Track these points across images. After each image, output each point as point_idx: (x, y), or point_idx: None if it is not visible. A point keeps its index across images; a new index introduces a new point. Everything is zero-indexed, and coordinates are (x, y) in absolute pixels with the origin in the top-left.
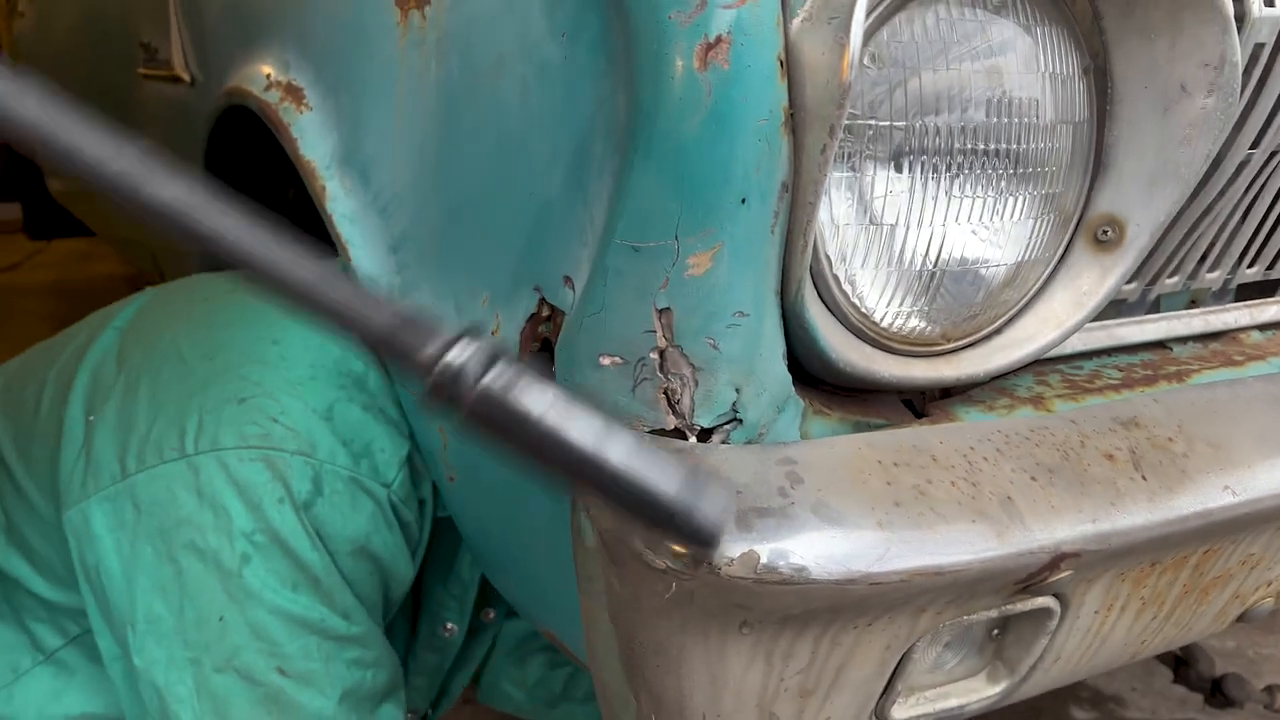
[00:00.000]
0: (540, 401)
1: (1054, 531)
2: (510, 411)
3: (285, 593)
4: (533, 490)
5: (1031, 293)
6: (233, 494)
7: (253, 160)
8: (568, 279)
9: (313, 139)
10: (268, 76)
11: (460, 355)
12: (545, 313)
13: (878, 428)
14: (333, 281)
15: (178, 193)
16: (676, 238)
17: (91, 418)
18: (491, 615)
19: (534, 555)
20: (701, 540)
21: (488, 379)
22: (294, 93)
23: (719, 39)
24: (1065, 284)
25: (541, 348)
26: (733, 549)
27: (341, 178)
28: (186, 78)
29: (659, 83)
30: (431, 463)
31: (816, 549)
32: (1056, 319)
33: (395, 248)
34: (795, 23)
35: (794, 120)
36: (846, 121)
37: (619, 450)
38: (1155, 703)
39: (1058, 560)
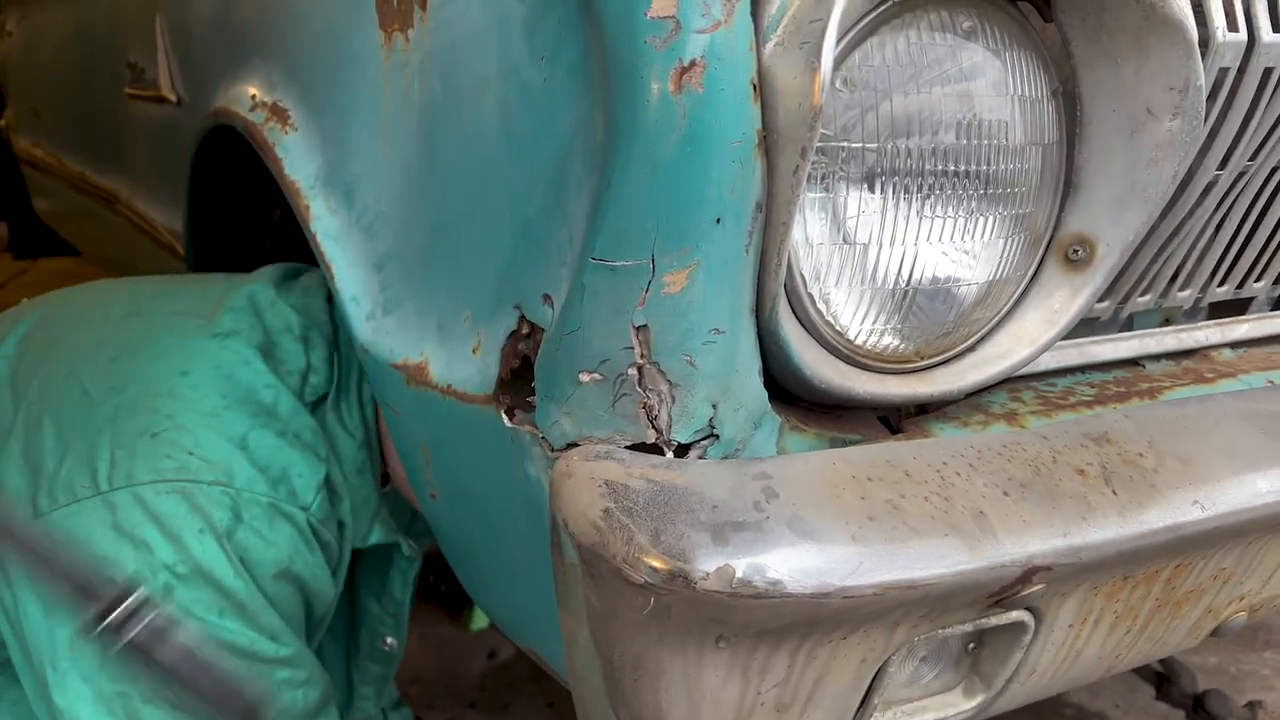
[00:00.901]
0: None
1: (1025, 545)
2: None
3: (212, 619)
4: (513, 509)
5: (1004, 311)
6: (152, 527)
7: (238, 181)
8: (547, 297)
9: (297, 159)
10: (253, 97)
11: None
12: (525, 330)
13: (853, 444)
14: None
15: None
16: (653, 257)
17: None
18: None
19: (515, 573)
20: None
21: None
22: (279, 113)
23: (693, 63)
24: (1037, 302)
25: (522, 365)
26: (708, 563)
27: (326, 197)
28: (173, 98)
29: (635, 105)
30: (414, 481)
31: (791, 563)
32: (1029, 336)
33: (379, 266)
34: (768, 47)
35: (767, 142)
36: (820, 143)
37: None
38: (1138, 719)
39: (1030, 574)
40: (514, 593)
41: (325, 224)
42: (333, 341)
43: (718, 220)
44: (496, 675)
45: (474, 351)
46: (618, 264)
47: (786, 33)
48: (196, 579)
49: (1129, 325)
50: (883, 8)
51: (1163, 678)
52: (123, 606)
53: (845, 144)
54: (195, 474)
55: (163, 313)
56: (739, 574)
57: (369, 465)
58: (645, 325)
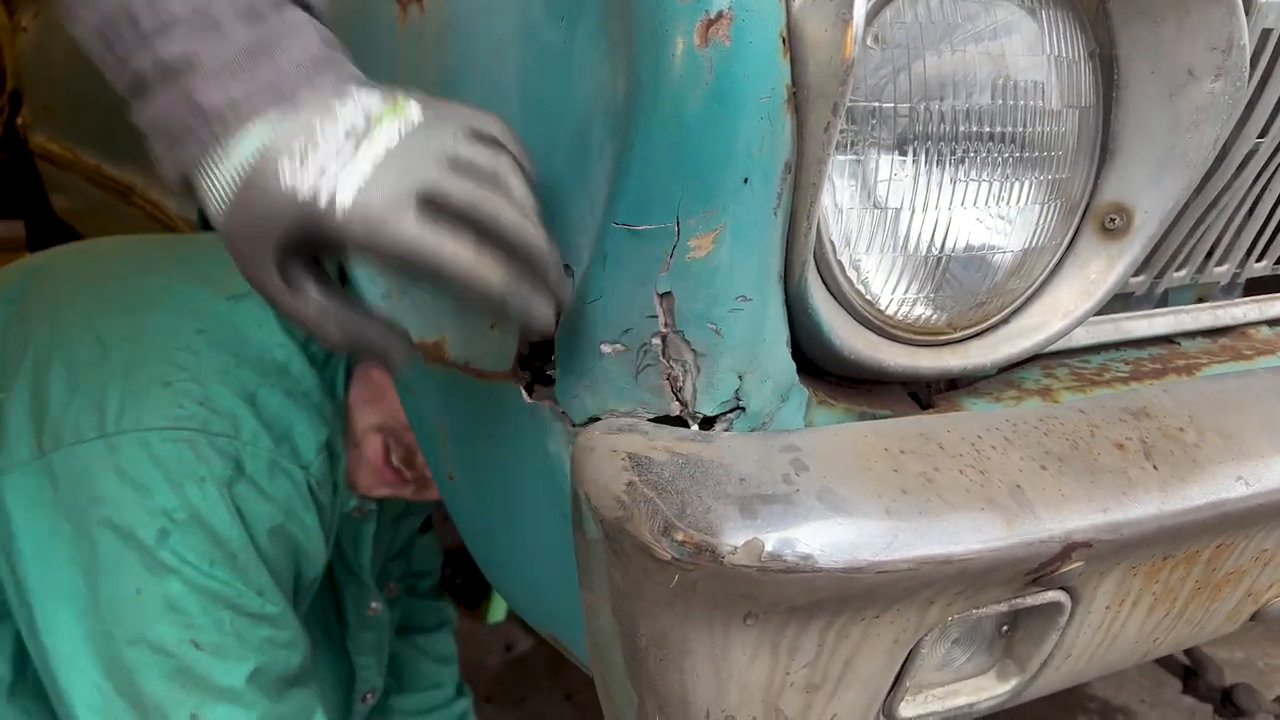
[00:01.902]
0: None
1: (1065, 520)
2: None
3: (202, 567)
4: (532, 486)
5: (1038, 282)
6: (155, 472)
7: None
8: (567, 267)
9: None
10: None
11: None
12: None
13: (882, 418)
14: None
15: None
16: (677, 219)
17: (2, 395)
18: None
19: (534, 554)
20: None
21: None
22: None
23: (720, 15)
24: (1073, 273)
25: (540, 339)
26: (736, 537)
27: None
28: None
29: (659, 60)
30: (431, 462)
31: (822, 537)
32: (1064, 308)
33: None
34: (798, 1)
35: (797, 99)
36: (849, 105)
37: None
38: (1164, 714)
39: (1069, 550)
40: (533, 575)
41: None
42: None
43: (745, 180)
44: (514, 668)
45: (491, 328)
46: (641, 228)
47: None
48: (193, 525)
49: (1163, 302)
50: None
51: (1190, 671)
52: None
53: (876, 105)
54: (204, 424)
55: (180, 272)
56: (768, 548)
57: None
58: (669, 292)
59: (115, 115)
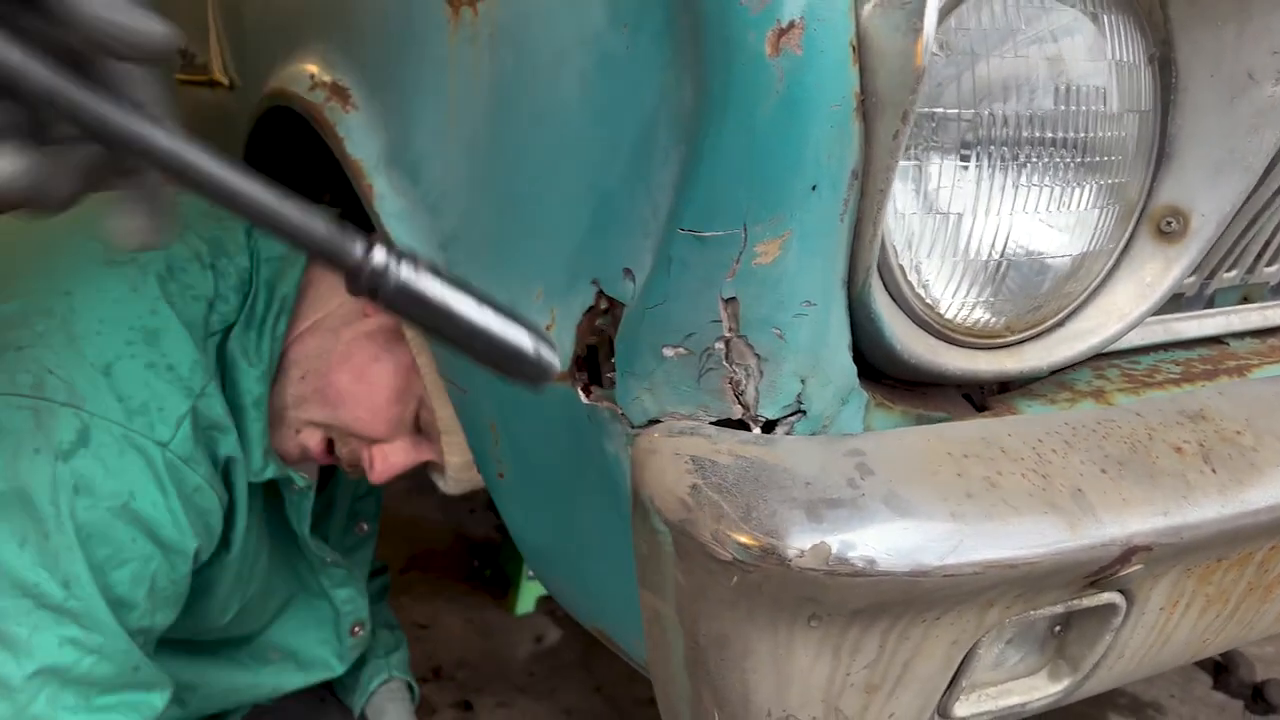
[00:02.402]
0: (433, 288)
1: (1126, 524)
2: (421, 301)
3: (11, 547)
4: (587, 486)
5: (1094, 284)
6: None
7: (288, 163)
8: (628, 271)
9: (359, 138)
10: (312, 76)
11: (379, 256)
12: (603, 305)
13: (939, 421)
14: (278, 196)
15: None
16: (745, 226)
17: None
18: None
19: (586, 552)
20: (542, 377)
21: (403, 275)
22: (339, 92)
23: (791, 24)
24: (1128, 275)
25: (599, 341)
26: (803, 540)
27: (389, 176)
28: (225, 81)
29: (730, 69)
30: (481, 460)
31: (889, 540)
32: (1120, 311)
33: (445, 245)
34: (866, 8)
35: (865, 106)
36: None
37: (488, 319)
38: (1195, 709)
39: (1129, 553)
40: (584, 571)
41: (390, 203)
42: (248, 274)
43: (813, 187)
44: (543, 660)
45: (547, 329)
46: (707, 234)
47: None
48: (12, 499)
49: (1210, 303)
50: None
51: (1220, 667)
52: None
53: (937, 110)
54: (51, 393)
55: (69, 231)
56: (835, 551)
57: (264, 398)
58: (734, 297)
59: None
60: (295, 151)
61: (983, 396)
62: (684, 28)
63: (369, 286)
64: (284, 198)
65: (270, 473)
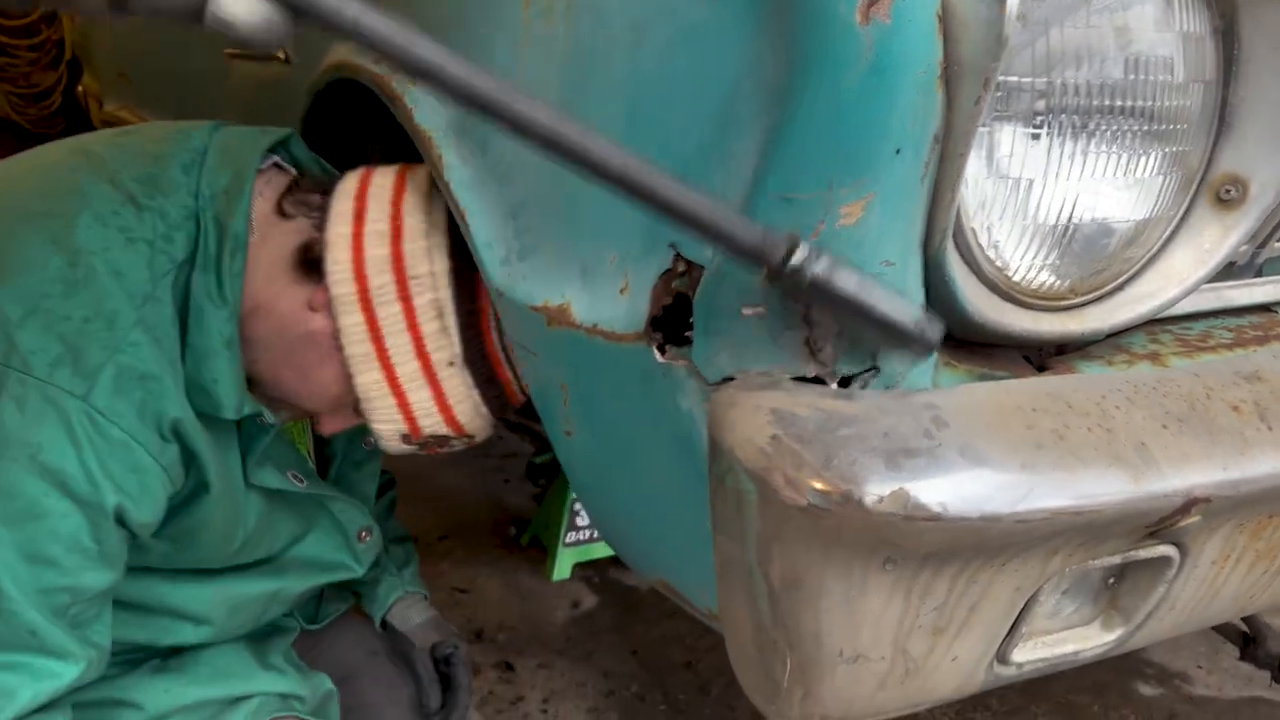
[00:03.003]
0: (847, 281)
1: (1187, 476)
2: (831, 290)
3: None
4: (659, 442)
5: (1154, 250)
6: None
7: (341, 135)
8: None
9: (427, 109)
10: None
11: (800, 256)
12: (680, 269)
13: (1002, 380)
14: (709, 202)
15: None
16: (830, 188)
17: None
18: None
19: (654, 506)
20: (925, 349)
21: (818, 269)
22: None
23: None
24: (1187, 241)
25: (674, 302)
26: (883, 487)
27: (458, 146)
28: (281, 56)
29: (820, 37)
30: (549, 419)
31: (964, 488)
32: (1178, 276)
33: (514, 213)
34: None
35: (948, 73)
36: None
37: (882, 302)
38: (1221, 679)
39: (1189, 505)
40: (650, 525)
41: (459, 172)
42: (193, 211)
43: (897, 151)
44: (580, 623)
45: (621, 292)
46: (793, 196)
47: None
48: None
49: (1259, 272)
50: None
51: (1248, 638)
52: None
53: (1011, 79)
54: None
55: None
56: (914, 498)
57: (238, 338)
58: None
59: (196, 84)
60: (350, 122)
61: (1041, 358)
62: (770, 0)
63: (791, 283)
64: (713, 201)
65: (248, 409)
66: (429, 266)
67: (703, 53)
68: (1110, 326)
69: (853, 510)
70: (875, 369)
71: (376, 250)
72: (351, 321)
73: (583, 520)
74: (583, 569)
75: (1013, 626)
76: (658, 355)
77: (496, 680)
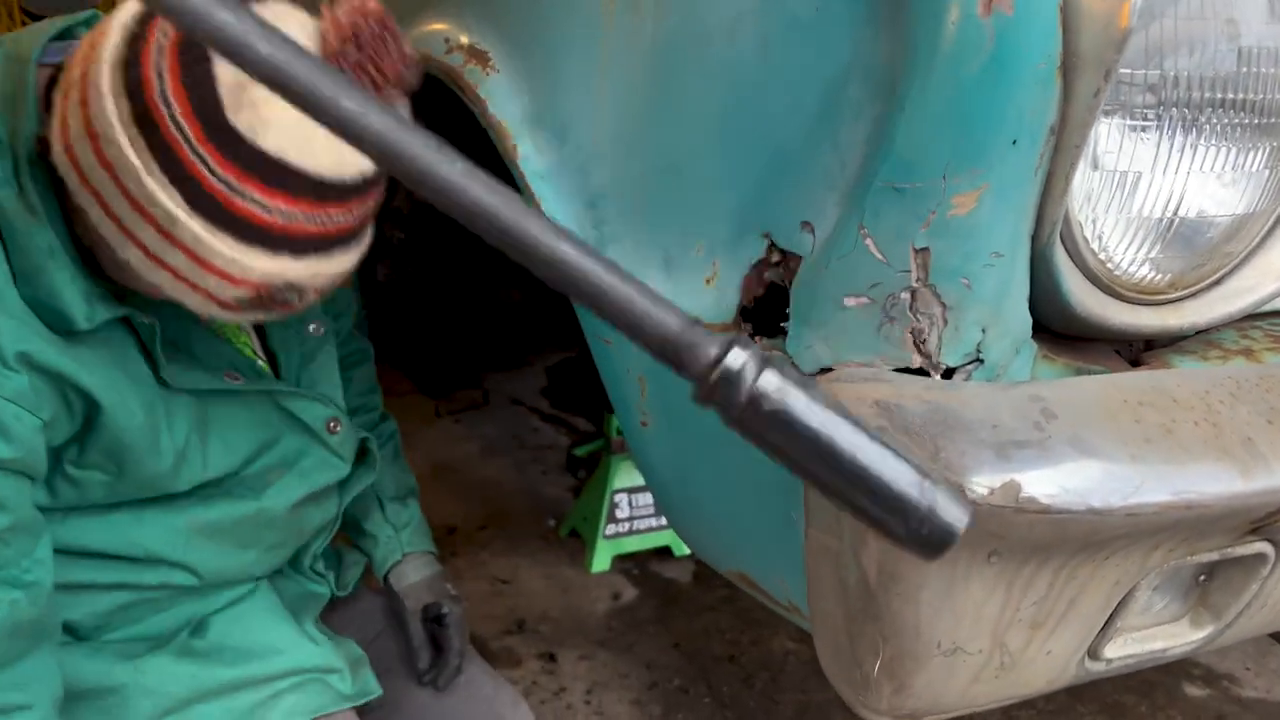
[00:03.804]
0: (804, 410)
1: None
2: (774, 417)
3: None
4: (734, 436)
5: (1254, 245)
6: None
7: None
8: (806, 224)
9: (501, 100)
10: (446, 40)
11: (735, 361)
12: (774, 258)
13: (1099, 373)
14: (618, 279)
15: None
16: (944, 178)
17: None
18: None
19: (734, 499)
20: (937, 545)
21: (760, 384)
22: (478, 55)
23: None
24: None
25: (766, 292)
26: (993, 479)
27: (534, 136)
28: None
29: (939, 28)
30: (623, 410)
31: (1075, 480)
32: (1276, 271)
33: (593, 203)
34: None
35: (1066, 65)
36: None
37: (869, 453)
38: (1270, 681)
39: None
40: (729, 517)
41: (534, 163)
42: (11, 122)
43: (1014, 142)
44: (622, 615)
45: (708, 282)
46: (905, 186)
47: None
48: None
49: None
50: None
51: None
52: None
53: (1122, 71)
54: None
55: None
56: (1025, 490)
57: (62, 245)
58: (926, 248)
59: None
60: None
61: (1130, 352)
62: None
63: (716, 398)
64: (623, 278)
65: (103, 315)
66: (112, 119)
67: (810, 42)
68: (1207, 321)
69: None
70: (980, 360)
71: (74, 123)
72: (90, 208)
73: (622, 513)
74: (622, 561)
75: (1107, 622)
76: None
77: (540, 671)
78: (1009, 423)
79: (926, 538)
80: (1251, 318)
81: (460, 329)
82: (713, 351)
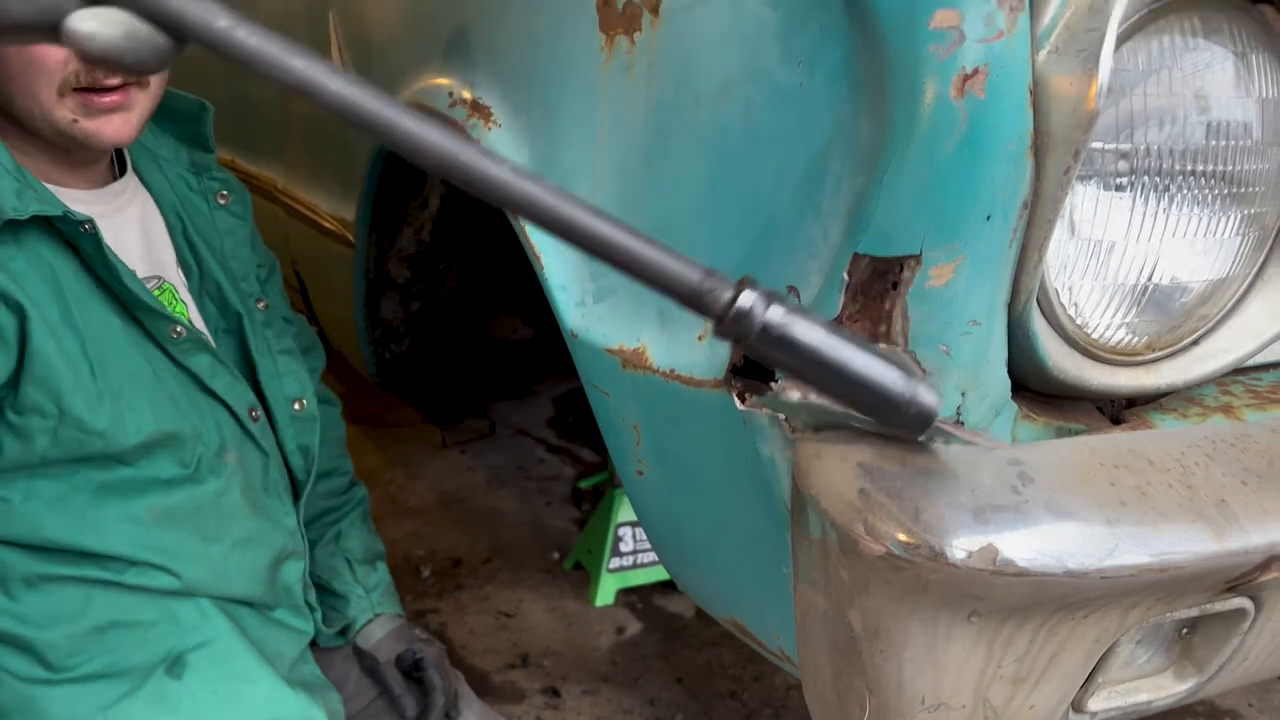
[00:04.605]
0: (809, 334)
1: (1268, 533)
2: (788, 341)
3: None
4: (737, 486)
5: (1228, 306)
6: None
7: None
8: (792, 289)
9: (503, 154)
10: (450, 93)
11: (746, 301)
12: None
13: (1079, 433)
14: (646, 245)
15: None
16: (921, 251)
17: None
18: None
19: (728, 548)
20: (921, 425)
21: (768, 317)
22: (481, 110)
23: (976, 70)
24: (1262, 297)
25: None
26: (972, 542)
27: None
28: None
29: (915, 109)
30: (619, 458)
31: (1051, 543)
32: (1253, 331)
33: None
34: (1042, 53)
35: (1037, 144)
36: None
37: (859, 360)
38: (1274, 718)
39: (1270, 561)
40: (723, 566)
41: None
42: None
43: (988, 217)
44: (626, 650)
45: (700, 339)
46: (883, 257)
47: (1060, 40)
48: None
49: None
50: (1142, 14)
51: None
52: None
53: (1095, 145)
54: None
55: None
56: (1002, 553)
57: None
58: (906, 315)
59: (254, 111)
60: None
61: (1113, 409)
62: (863, 67)
63: (736, 331)
64: (649, 243)
65: (33, 208)
66: None
67: (794, 114)
68: (1185, 382)
69: (941, 564)
70: (960, 423)
71: None
72: None
73: (626, 546)
74: (626, 594)
75: (1089, 676)
76: (738, 403)
77: (543, 706)
78: (987, 486)
79: (913, 419)
80: (1232, 372)
81: (466, 363)
82: (728, 294)
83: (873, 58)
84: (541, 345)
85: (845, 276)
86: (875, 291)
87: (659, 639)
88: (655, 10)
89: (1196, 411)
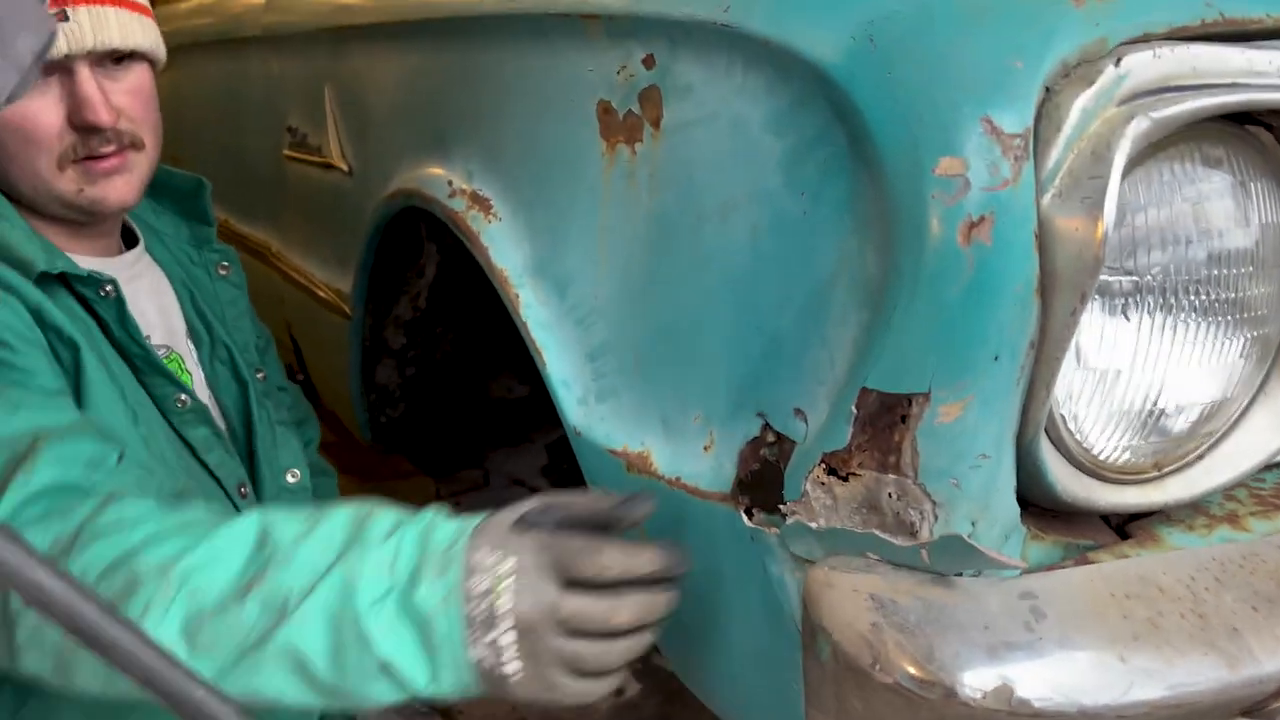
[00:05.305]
0: None
1: None
2: None
3: None
4: (744, 600)
5: (1232, 421)
6: None
7: (400, 246)
8: (799, 411)
9: (503, 248)
10: (449, 184)
11: None
12: (770, 438)
13: (1088, 549)
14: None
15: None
16: (930, 389)
17: None
18: None
19: (737, 660)
20: None
21: None
22: (480, 202)
23: (982, 218)
24: (1265, 410)
25: (762, 467)
26: (986, 681)
27: (535, 287)
28: (344, 167)
29: (921, 253)
30: None
31: (1065, 682)
32: (1257, 445)
33: (593, 356)
34: (1046, 198)
35: (1043, 285)
36: None
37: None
38: None
39: None
40: (733, 678)
41: (536, 313)
42: None
43: (995, 358)
44: (626, 714)
45: (705, 449)
46: (892, 393)
47: (1064, 185)
48: None
49: None
50: (1143, 149)
51: None
52: None
53: (1100, 277)
54: None
55: None
56: (1017, 693)
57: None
58: (915, 449)
59: (248, 177)
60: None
61: (1121, 521)
62: (869, 203)
63: None
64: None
65: (61, 264)
66: None
67: (796, 241)
68: (1191, 496)
69: (956, 703)
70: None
71: None
72: None
73: None
74: None
75: None
76: (745, 520)
77: None
78: (1000, 622)
79: None
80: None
81: (463, 421)
82: None
83: (878, 196)
84: (537, 401)
85: (854, 409)
86: (884, 424)
87: (659, 701)
88: (656, 124)
89: (1203, 523)
